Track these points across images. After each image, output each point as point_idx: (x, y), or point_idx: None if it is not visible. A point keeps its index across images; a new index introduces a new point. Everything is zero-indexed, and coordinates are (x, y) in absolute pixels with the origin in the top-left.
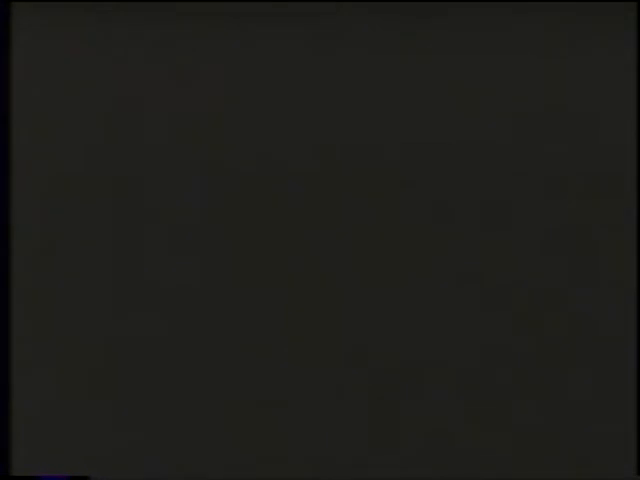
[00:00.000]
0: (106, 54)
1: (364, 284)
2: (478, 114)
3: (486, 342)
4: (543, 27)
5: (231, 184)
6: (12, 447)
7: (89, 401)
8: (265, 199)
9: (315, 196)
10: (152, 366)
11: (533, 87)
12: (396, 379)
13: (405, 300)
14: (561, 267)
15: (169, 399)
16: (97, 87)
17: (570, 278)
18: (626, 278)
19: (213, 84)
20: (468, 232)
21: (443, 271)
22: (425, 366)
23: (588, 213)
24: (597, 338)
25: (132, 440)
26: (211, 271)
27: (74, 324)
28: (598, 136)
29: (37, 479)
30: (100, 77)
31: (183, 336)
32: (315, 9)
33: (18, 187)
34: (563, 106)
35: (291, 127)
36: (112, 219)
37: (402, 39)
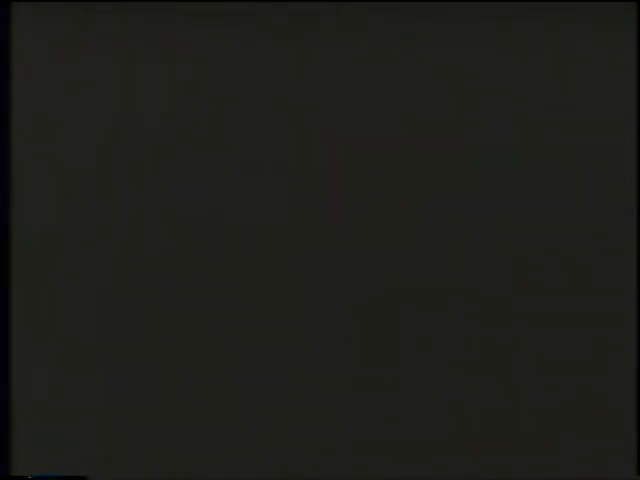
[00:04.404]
0: (106, 54)
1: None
2: (478, 114)
3: (486, 342)
4: (543, 27)
5: (231, 184)
6: (12, 447)
7: (89, 401)
8: (264, 198)
9: (314, 195)
10: (152, 366)
11: (533, 87)
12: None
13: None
14: (560, 267)
15: (169, 399)
16: (97, 87)
17: (570, 278)
18: (626, 278)
19: (213, 84)
20: (467, 235)
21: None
22: (425, 360)
23: (587, 213)
24: (597, 338)
25: (131, 440)
26: (211, 271)
27: (74, 324)
28: (598, 136)
29: (37, 479)
30: (100, 77)
31: (183, 336)
32: (315, 9)
33: (18, 187)
34: (563, 106)
35: (291, 127)
36: (112, 219)
37: (402, 39)
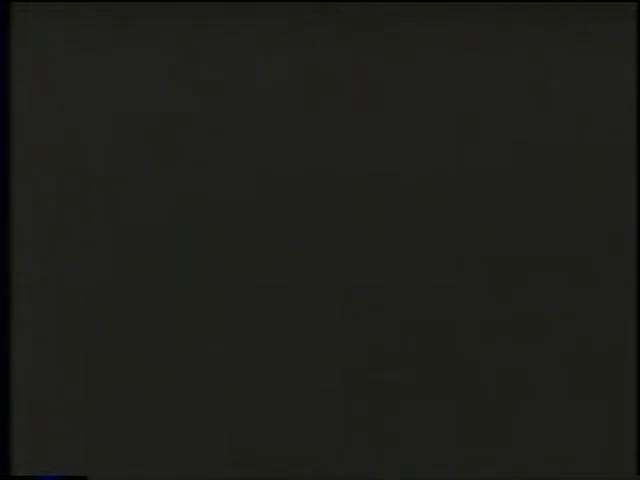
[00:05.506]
0: (106, 54)
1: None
2: (477, 114)
3: (487, 349)
4: (543, 27)
5: (231, 184)
6: (12, 447)
7: (89, 401)
8: (264, 199)
9: (315, 195)
10: (152, 367)
11: (533, 87)
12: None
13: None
14: (561, 267)
15: (170, 399)
16: (97, 86)
17: (570, 278)
18: (626, 279)
19: (213, 85)
20: (469, 234)
21: (445, 272)
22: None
23: (587, 213)
24: (597, 338)
25: (132, 440)
26: (210, 270)
27: (74, 324)
28: (598, 136)
29: (37, 479)
30: (100, 76)
31: (182, 337)
32: (315, 9)
33: (18, 187)
34: (563, 106)
35: (292, 126)
36: (112, 219)
37: (401, 39)
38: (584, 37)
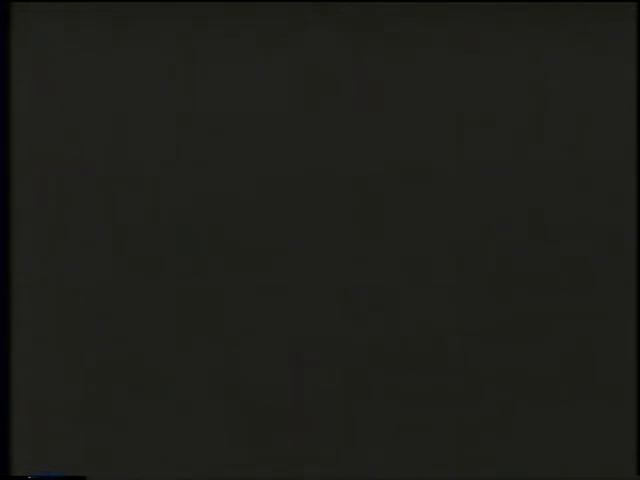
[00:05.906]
0: (106, 54)
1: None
2: (477, 114)
3: (488, 345)
4: (543, 27)
5: (231, 185)
6: (12, 447)
7: (89, 401)
8: (264, 199)
9: (315, 195)
10: (152, 367)
11: (533, 87)
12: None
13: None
14: (561, 267)
15: (169, 399)
16: (97, 87)
17: (570, 278)
18: (626, 279)
19: (213, 85)
20: (469, 234)
21: (439, 272)
22: (424, 365)
23: (587, 213)
24: (597, 338)
25: (131, 440)
26: (210, 270)
27: (74, 324)
28: (598, 136)
29: (37, 479)
30: (100, 77)
31: (182, 337)
32: (315, 9)
33: (18, 186)
34: (563, 106)
35: (291, 128)
36: (112, 219)
37: (401, 39)
38: (584, 37)
